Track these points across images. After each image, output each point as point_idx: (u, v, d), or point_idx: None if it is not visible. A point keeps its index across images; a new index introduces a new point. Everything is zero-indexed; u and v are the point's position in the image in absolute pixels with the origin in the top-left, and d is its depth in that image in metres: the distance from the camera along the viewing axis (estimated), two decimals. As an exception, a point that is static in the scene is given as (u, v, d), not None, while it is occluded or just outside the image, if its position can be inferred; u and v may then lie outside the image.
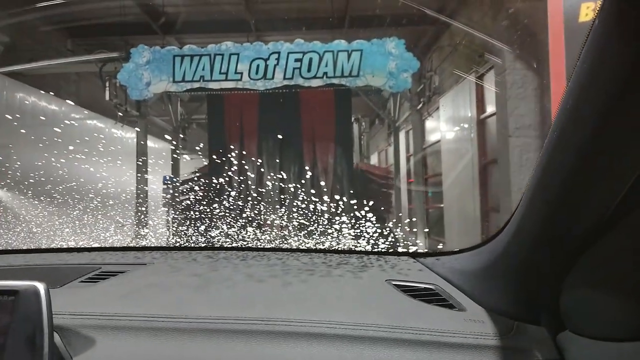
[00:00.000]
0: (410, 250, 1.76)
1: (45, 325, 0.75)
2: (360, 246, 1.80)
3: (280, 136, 6.90)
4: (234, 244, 1.72)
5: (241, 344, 0.84)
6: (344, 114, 7.39)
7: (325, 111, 7.19)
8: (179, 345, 0.84)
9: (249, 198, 6.17)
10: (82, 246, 1.84)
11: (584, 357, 0.75)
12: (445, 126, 6.78)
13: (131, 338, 0.86)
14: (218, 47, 6.36)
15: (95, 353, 0.84)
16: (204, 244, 1.72)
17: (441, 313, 0.93)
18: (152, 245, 1.72)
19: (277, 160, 6.98)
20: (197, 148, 7.96)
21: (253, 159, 6.89)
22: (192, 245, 1.70)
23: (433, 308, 0.96)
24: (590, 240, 0.68)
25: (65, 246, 1.83)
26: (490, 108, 5.65)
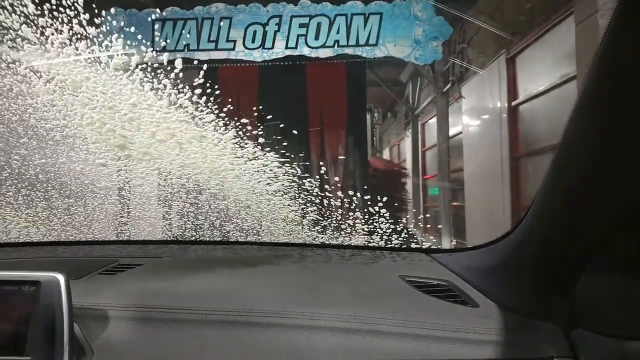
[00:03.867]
0: (424, 246, 1.75)
1: (65, 315, 0.78)
2: (373, 241, 1.80)
3: (281, 121, 5.68)
4: (249, 238, 1.74)
5: (256, 335, 0.86)
6: (359, 92, 6.15)
7: (335, 89, 6.01)
8: (195, 337, 0.85)
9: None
10: (100, 239, 1.88)
11: (597, 355, 0.75)
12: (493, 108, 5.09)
13: (149, 329, 0.88)
14: (207, 10, 5.16)
15: (114, 343, 0.86)
16: (220, 238, 1.75)
17: (454, 309, 0.93)
18: (169, 239, 1.75)
19: (279, 150, 5.68)
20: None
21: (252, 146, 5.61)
22: (208, 239, 1.73)
23: (446, 304, 0.96)
24: (605, 238, 0.67)
25: (83, 239, 1.87)
26: (566, 70, 3.65)
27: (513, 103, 4.72)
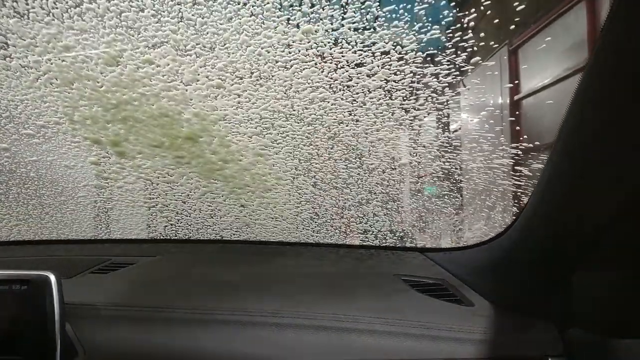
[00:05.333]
0: (419, 245, 1.75)
1: (56, 314, 0.77)
2: (369, 240, 1.79)
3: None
4: (244, 237, 1.73)
5: (249, 335, 0.85)
6: None
7: None
8: (187, 336, 0.85)
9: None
10: (93, 238, 1.87)
11: (591, 353, 0.75)
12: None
13: (141, 328, 0.87)
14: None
15: (105, 342, 0.85)
16: (214, 237, 1.73)
17: (449, 308, 0.94)
18: (162, 237, 1.74)
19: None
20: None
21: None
22: (203, 237, 1.71)
23: (441, 303, 0.96)
24: (599, 237, 0.68)
25: (75, 237, 1.86)
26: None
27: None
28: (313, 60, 1.35)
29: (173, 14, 1.30)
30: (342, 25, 1.26)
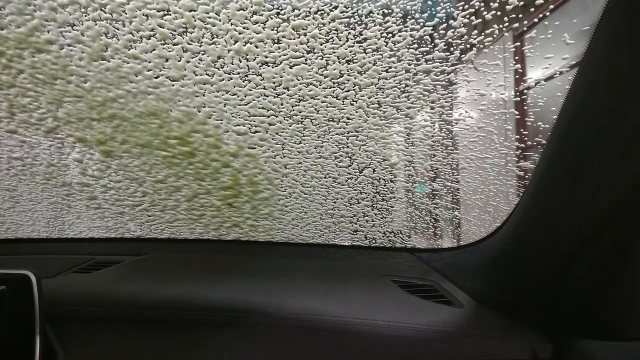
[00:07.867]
0: (409, 246, 1.74)
1: (36, 314, 0.74)
2: (358, 240, 1.79)
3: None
4: (232, 237, 1.71)
5: (235, 336, 0.84)
6: None
7: None
8: (173, 337, 0.83)
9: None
10: (77, 236, 1.84)
11: (581, 356, 0.75)
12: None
13: (124, 329, 0.85)
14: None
15: (87, 343, 0.83)
16: (202, 236, 1.71)
17: (439, 309, 0.93)
18: (149, 236, 1.71)
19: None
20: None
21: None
22: (190, 237, 1.69)
23: (431, 304, 0.95)
24: (591, 238, 0.67)
25: (57, 236, 1.82)
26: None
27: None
28: (303, 56, 1.34)
29: (159, 6, 1.27)
30: (334, 20, 1.25)
